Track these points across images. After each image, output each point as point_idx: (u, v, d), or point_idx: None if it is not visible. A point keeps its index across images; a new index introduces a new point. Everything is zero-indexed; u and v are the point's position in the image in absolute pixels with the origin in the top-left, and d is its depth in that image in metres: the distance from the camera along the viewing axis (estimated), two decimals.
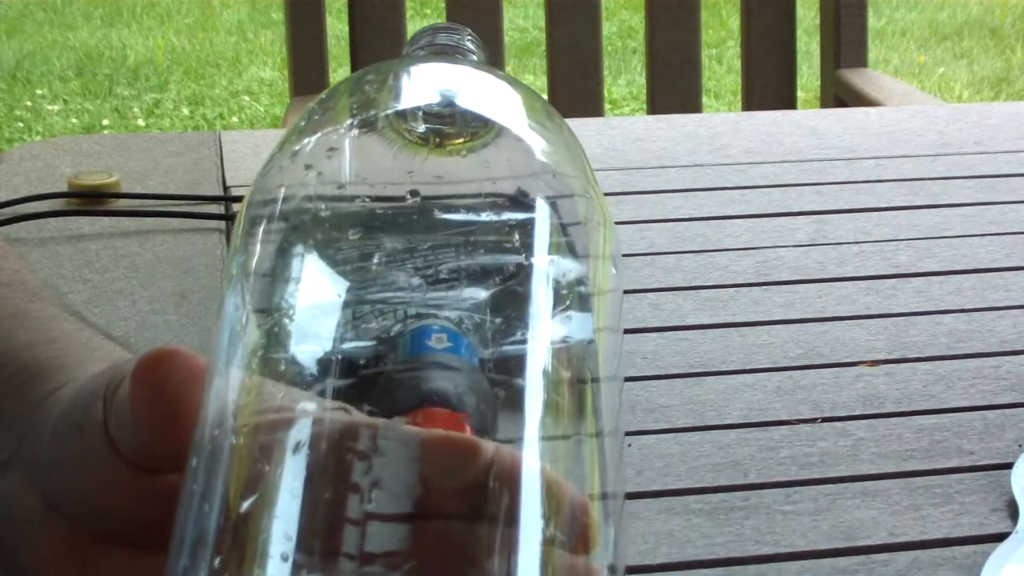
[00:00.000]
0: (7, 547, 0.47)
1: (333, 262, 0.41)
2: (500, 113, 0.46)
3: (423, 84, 0.49)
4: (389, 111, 0.46)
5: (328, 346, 0.39)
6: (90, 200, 0.97)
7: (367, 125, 0.45)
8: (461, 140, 0.45)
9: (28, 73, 4.57)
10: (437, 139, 0.45)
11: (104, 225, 0.95)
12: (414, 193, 0.42)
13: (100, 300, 0.84)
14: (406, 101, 0.48)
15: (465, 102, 0.47)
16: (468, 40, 0.55)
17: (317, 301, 0.40)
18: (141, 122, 4.24)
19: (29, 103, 4.35)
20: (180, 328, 0.80)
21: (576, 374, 0.40)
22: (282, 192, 0.43)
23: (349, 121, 0.46)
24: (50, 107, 4.32)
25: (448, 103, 0.47)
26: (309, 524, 0.34)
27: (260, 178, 0.44)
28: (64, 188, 0.98)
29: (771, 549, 0.61)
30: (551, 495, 0.36)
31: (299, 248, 0.41)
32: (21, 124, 4.20)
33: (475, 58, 0.54)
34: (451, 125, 0.45)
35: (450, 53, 0.53)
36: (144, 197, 0.98)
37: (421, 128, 0.45)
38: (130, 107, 4.34)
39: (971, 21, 5.08)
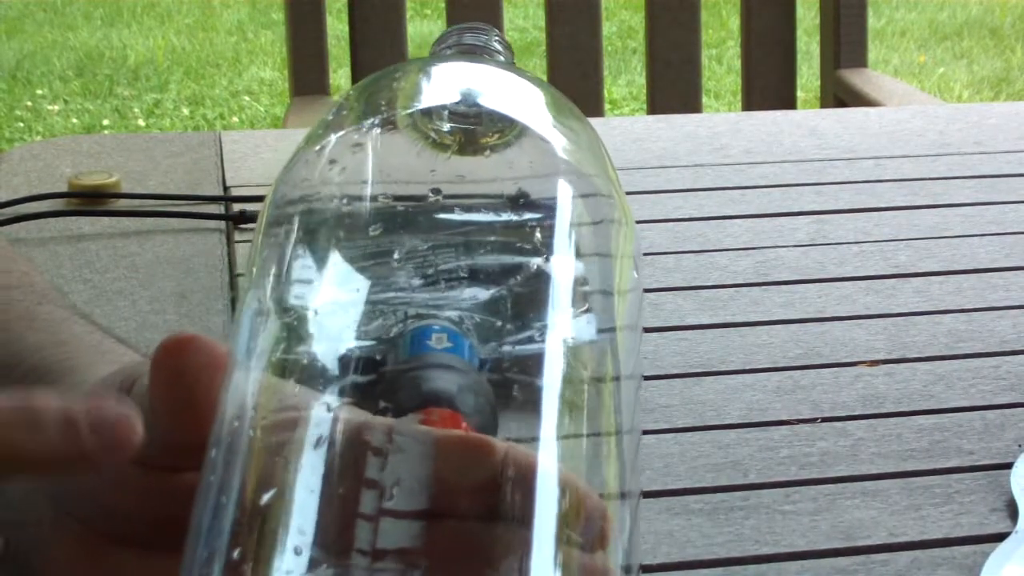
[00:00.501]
0: (18, 550, 0.47)
1: (343, 262, 0.41)
2: (524, 114, 0.46)
3: (448, 83, 0.49)
4: (414, 110, 0.46)
5: (331, 345, 0.39)
6: (90, 200, 0.98)
7: (393, 124, 0.45)
8: (485, 140, 0.45)
9: (28, 73, 4.57)
10: (461, 138, 0.45)
11: (104, 225, 0.95)
12: (436, 191, 0.42)
13: (100, 300, 0.84)
14: (431, 100, 0.48)
15: (490, 102, 0.47)
16: (495, 41, 0.55)
17: (323, 301, 0.40)
18: (141, 122, 4.23)
19: (29, 103, 4.35)
20: (180, 328, 0.80)
21: (587, 373, 0.40)
22: (307, 189, 0.43)
23: (376, 119, 0.46)
24: (50, 107, 4.32)
25: (473, 103, 0.47)
26: (324, 519, 0.34)
27: (286, 172, 0.44)
28: (64, 188, 0.99)
29: (771, 549, 0.61)
30: (565, 494, 0.36)
31: (314, 247, 0.42)
32: (21, 124, 4.20)
33: (501, 59, 0.54)
34: (475, 125, 0.45)
35: (477, 53, 0.53)
36: (144, 197, 0.98)
37: (445, 127, 0.45)
38: (130, 107, 4.34)
39: (971, 21, 5.08)
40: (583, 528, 0.36)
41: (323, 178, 0.43)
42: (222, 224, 0.95)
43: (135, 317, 0.82)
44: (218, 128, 4.18)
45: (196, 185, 1.01)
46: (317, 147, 0.44)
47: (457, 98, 0.47)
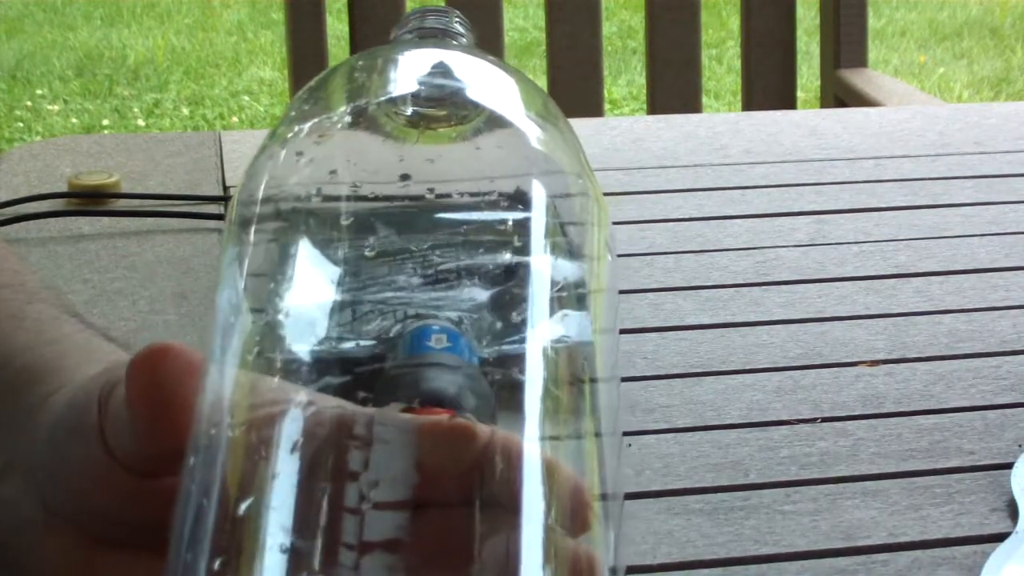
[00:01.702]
0: (10, 553, 0.47)
1: (332, 259, 0.41)
2: (490, 96, 0.46)
3: (412, 69, 0.49)
4: (379, 98, 0.46)
5: (327, 345, 0.38)
6: (90, 200, 0.98)
7: (357, 113, 0.45)
8: (451, 124, 0.45)
9: (28, 73, 4.57)
10: (426, 123, 0.45)
11: (104, 225, 0.95)
12: (405, 177, 0.42)
13: (100, 300, 0.84)
14: (395, 87, 0.48)
15: (454, 86, 0.47)
16: (457, 23, 0.54)
17: (316, 299, 0.40)
18: (141, 122, 4.23)
19: (29, 103, 4.35)
20: (180, 328, 0.80)
21: (573, 373, 0.40)
22: (275, 183, 0.43)
23: (340, 109, 0.46)
24: (50, 107, 4.32)
25: (437, 87, 0.46)
26: (307, 515, 0.34)
27: (251, 168, 0.44)
28: (64, 188, 0.99)
29: (771, 549, 0.61)
30: (548, 477, 0.36)
31: (296, 243, 0.41)
32: (21, 124, 4.20)
33: (464, 41, 0.53)
34: (440, 109, 0.45)
35: (439, 36, 0.53)
36: (144, 197, 0.98)
37: (409, 112, 0.45)
38: (130, 107, 4.34)
39: (971, 21, 5.08)
40: (566, 512, 0.36)
41: (291, 172, 0.43)
42: (222, 224, 0.95)
43: (135, 317, 0.81)
44: (218, 128, 4.18)
45: (196, 185, 1.01)
46: (283, 140, 0.44)
47: (420, 83, 0.47)
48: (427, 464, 0.36)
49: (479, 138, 0.45)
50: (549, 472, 0.36)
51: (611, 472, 0.40)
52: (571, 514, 0.36)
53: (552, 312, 0.40)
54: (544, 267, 0.41)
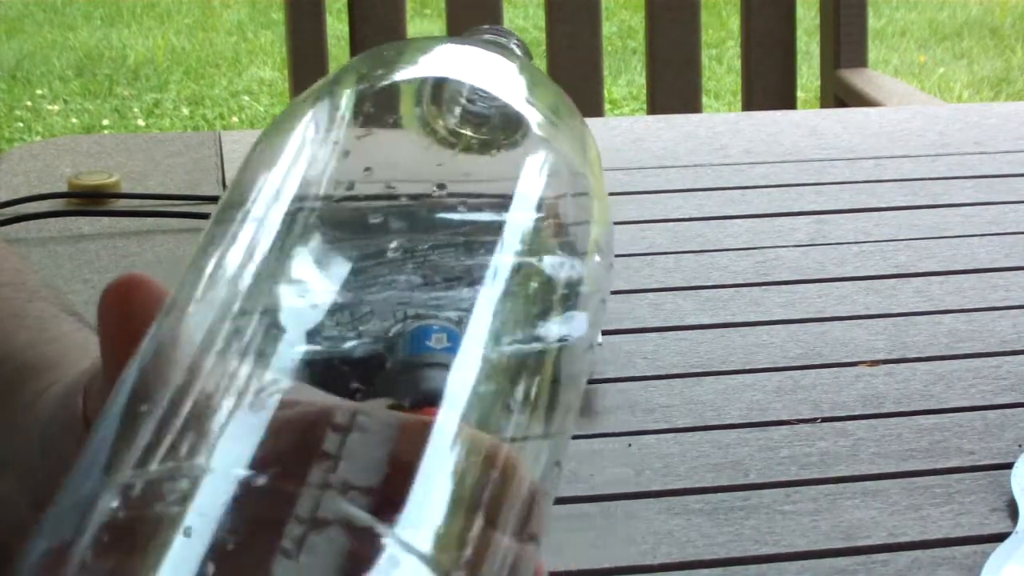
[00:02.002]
0: (10, 553, 0.46)
1: (337, 257, 0.41)
2: (532, 114, 0.46)
3: (460, 74, 0.48)
4: (418, 103, 0.46)
5: (326, 343, 0.38)
6: (90, 200, 0.98)
7: (395, 109, 0.45)
8: (495, 139, 0.45)
9: (28, 73, 4.57)
10: (470, 137, 0.44)
11: (104, 225, 0.95)
12: (441, 186, 0.42)
13: None
14: (437, 95, 0.47)
15: (504, 101, 0.46)
16: (514, 44, 0.54)
17: (316, 297, 0.40)
18: (141, 122, 4.23)
19: (29, 103, 4.35)
20: None
21: (556, 373, 0.40)
22: (289, 172, 0.42)
23: (374, 97, 0.45)
24: (50, 107, 4.32)
25: (488, 100, 0.46)
26: (260, 475, 0.33)
27: (265, 144, 0.43)
28: (64, 188, 0.99)
29: (771, 549, 0.61)
30: (513, 482, 0.35)
31: (306, 237, 0.41)
32: (21, 124, 4.20)
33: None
34: (487, 124, 0.45)
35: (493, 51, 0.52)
36: (144, 197, 0.99)
37: (454, 122, 0.44)
38: (130, 107, 4.34)
39: (971, 21, 5.08)
40: (521, 516, 0.36)
41: (317, 161, 0.43)
42: None
43: None
44: (218, 128, 4.18)
45: (196, 185, 1.01)
46: (311, 125, 0.43)
47: (471, 94, 0.46)
48: (403, 461, 0.35)
49: (516, 155, 0.44)
50: (516, 476, 0.36)
51: (552, 468, 0.39)
52: (526, 520, 0.36)
53: (550, 312, 0.40)
54: (544, 269, 0.41)
